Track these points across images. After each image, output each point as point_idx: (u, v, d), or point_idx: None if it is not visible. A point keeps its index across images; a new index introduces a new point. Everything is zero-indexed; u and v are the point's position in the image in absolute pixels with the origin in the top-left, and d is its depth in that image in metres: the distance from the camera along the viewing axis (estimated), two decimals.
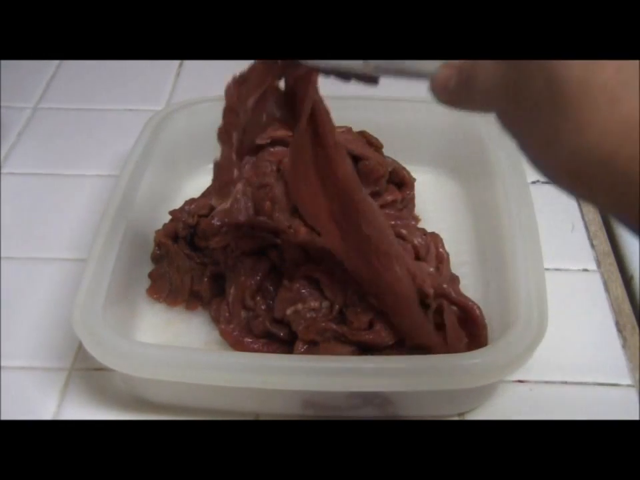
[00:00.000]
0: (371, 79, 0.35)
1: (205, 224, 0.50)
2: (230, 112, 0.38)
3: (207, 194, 0.54)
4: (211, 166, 0.57)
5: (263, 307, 0.46)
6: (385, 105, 0.59)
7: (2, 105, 0.69)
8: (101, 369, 0.45)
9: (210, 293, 0.49)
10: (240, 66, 0.38)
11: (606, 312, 0.50)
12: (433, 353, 0.42)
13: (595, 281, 0.52)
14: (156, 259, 0.52)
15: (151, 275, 0.51)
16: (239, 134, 0.39)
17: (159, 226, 0.53)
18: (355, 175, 0.42)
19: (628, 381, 0.46)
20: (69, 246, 0.55)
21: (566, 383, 0.46)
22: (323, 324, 0.44)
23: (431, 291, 0.44)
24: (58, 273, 0.53)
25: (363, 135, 0.54)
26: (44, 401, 0.45)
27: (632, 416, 0.44)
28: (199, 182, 0.57)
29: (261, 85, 0.38)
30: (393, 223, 0.51)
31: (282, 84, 0.39)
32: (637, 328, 0.49)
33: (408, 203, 0.55)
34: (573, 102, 0.24)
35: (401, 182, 0.55)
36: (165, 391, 0.44)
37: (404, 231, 0.50)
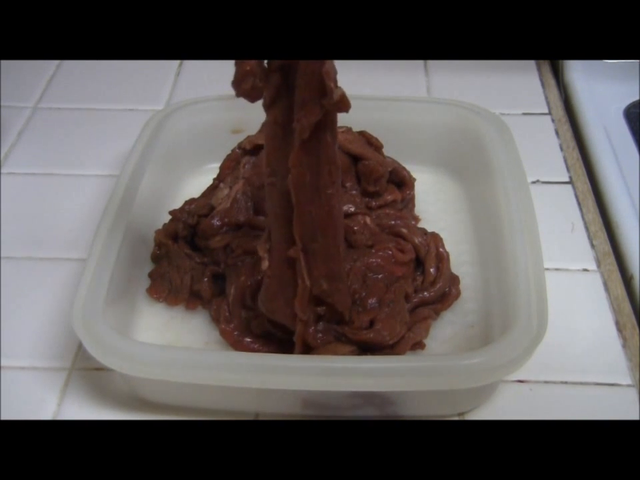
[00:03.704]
0: None
1: (205, 224, 0.50)
2: None
3: (207, 194, 0.54)
4: (211, 166, 0.57)
5: None
6: (385, 104, 0.59)
7: (2, 104, 0.69)
8: (101, 368, 0.45)
9: (210, 293, 0.49)
10: None
11: (606, 312, 0.50)
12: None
13: (595, 281, 0.52)
14: (156, 258, 0.52)
15: (151, 275, 0.51)
16: None
17: (159, 226, 0.53)
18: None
19: (628, 381, 0.46)
20: (69, 246, 0.56)
21: (566, 382, 0.46)
22: (324, 323, 0.44)
23: None
24: (58, 272, 0.53)
25: (363, 134, 0.54)
26: (44, 400, 0.46)
27: (632, 416, 0.44)
28: (199, 182, 0.57)
29: None
30: (392, 222, 0.51)
31: None
32: (637, 328, 0.49)
33: (408, 202, 0.55)
34: None
35: (401, 182, 0.55)
36: (165, 391, 0.44)
37: (404, 231, 0.50)
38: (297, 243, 0.39)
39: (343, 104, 0.34)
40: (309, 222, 0.39)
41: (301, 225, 0.39)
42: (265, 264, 0.42)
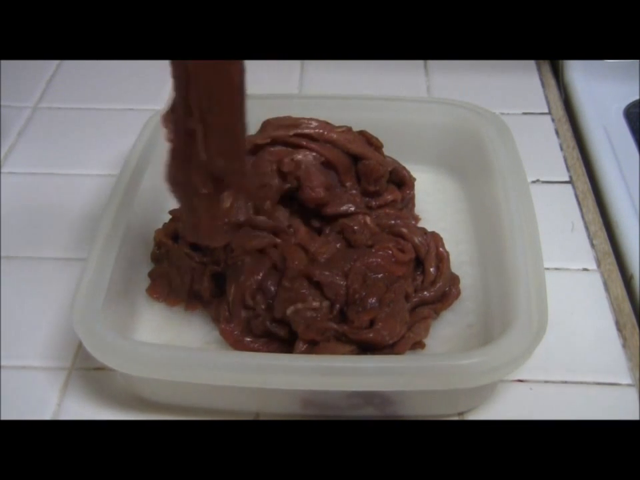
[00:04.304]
0: None
1: None
2: None
3: None
4: None
5: (263, 307, 0.46)
6: (385, 104, 0.59)
7: (2, 104, 0.69)
8: (101, 368, 0.45)
9: (210, 293, 0.49)
10: None
11: (606, 312, 0.50)
12: None
13: (595, 281, 0.52)
14: (156, 258, 0.52)
15: (150, 275, 0.51)
16: None
17: (159, 225, 0.53)
18: None
19: (628, 381, 0.46)
20: (69, 246, 0.56)
21: (566, 382, 0.46)
22: (323, 323, 0.44)
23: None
24: (58, 272, 0.53)
25: (363, 134, 0.54)
26: (44, 400, 0.45)
27: (632, 416, 0.44)
28: None
29: None
30: (392, 222, 0.51)
31: None
32: (637, 328, 0.49)
33: (408, 202, 0.55)
34: None
35: (401, 181, 0.55)
36: (165, 391, 0.44)
37: (404, 230, 0.50)
38: (194, 113, 0.38)
39: None
40: (204, 90, 0.37)
41: (196, 92, 0.37)
42: (169, 135, 0.40)
